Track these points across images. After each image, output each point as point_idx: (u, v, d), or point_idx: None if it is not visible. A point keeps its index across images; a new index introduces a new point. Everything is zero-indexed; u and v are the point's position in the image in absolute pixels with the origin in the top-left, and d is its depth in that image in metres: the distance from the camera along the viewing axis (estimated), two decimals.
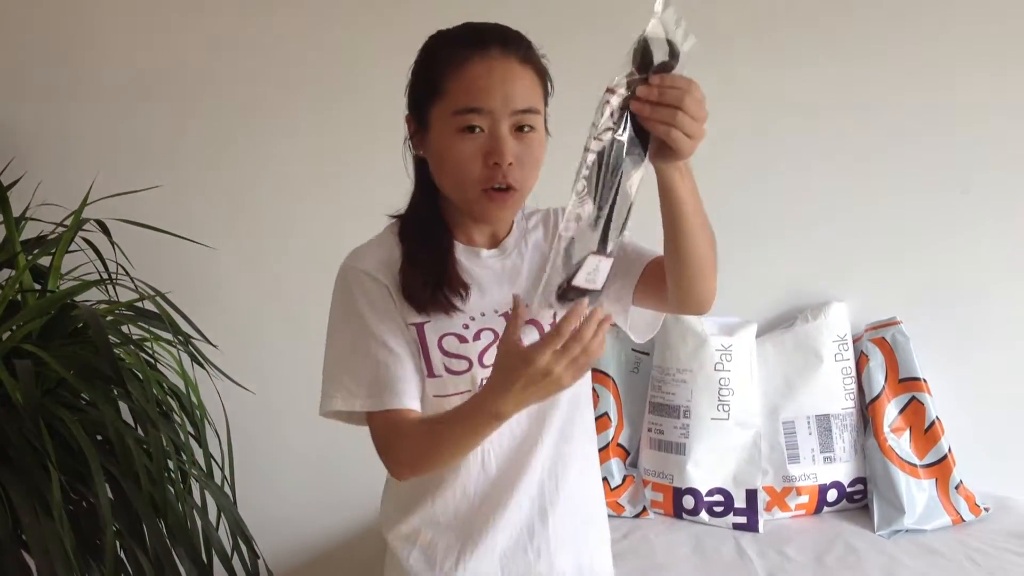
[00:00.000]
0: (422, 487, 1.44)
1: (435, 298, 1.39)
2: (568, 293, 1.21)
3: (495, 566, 1.44)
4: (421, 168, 1.46)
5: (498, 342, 1.28)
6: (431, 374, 1.40)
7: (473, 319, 1.41)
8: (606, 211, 1.18)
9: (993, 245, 2.49)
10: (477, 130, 1.34)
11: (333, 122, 2.59)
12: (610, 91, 1.16)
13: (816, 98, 2.48)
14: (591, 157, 1.16)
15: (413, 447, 1.36)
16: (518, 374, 1.19)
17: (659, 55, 1.17)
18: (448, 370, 1.40)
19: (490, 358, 1.36)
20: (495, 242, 1.48)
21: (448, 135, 1.36)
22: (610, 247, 1.21)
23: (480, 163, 1.35)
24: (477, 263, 1.45)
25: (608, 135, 1.16)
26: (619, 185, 1.18)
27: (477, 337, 1.40)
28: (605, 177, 1.17)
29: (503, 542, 1.43)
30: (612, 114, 1.16)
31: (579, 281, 1.20)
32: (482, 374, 1.38)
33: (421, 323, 1.40)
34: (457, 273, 1.42)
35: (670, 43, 1.19)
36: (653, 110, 1.16)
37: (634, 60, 1.17)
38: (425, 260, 1.42)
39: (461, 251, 1.45)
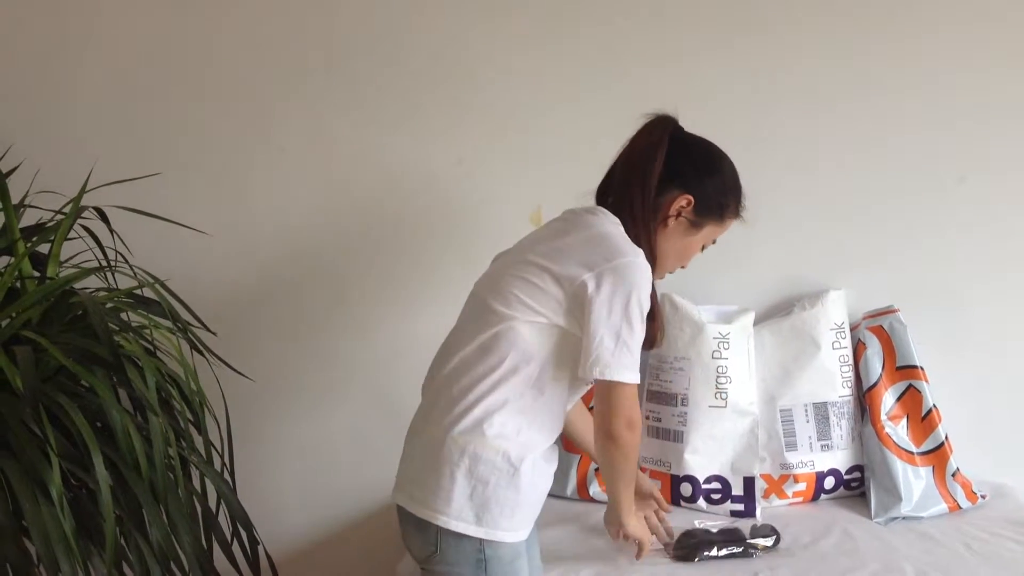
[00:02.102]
0: (542, 428, 1.82)
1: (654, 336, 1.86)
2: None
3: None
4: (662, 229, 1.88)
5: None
6: None
7: None
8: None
9: (989, 235, 2.49)
10: None
11: (331, 111, 2.59)
12: None
13: (814, 88, 2.48)
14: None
15: (638, 441, 1.84)
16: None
17: None
18: None
19: None
20: None
21: (701, 241, 1.93)
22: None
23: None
24: None
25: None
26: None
27: None
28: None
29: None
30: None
31: None
32: None
33: None
34: None
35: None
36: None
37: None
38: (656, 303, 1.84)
39: None
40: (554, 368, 1.79)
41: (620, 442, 1.78)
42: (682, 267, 1.98)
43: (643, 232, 1.82)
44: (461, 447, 1.73)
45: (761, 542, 2.15)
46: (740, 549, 2.12)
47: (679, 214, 1.86)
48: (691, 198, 1.85)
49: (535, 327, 1.77)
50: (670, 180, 1.85)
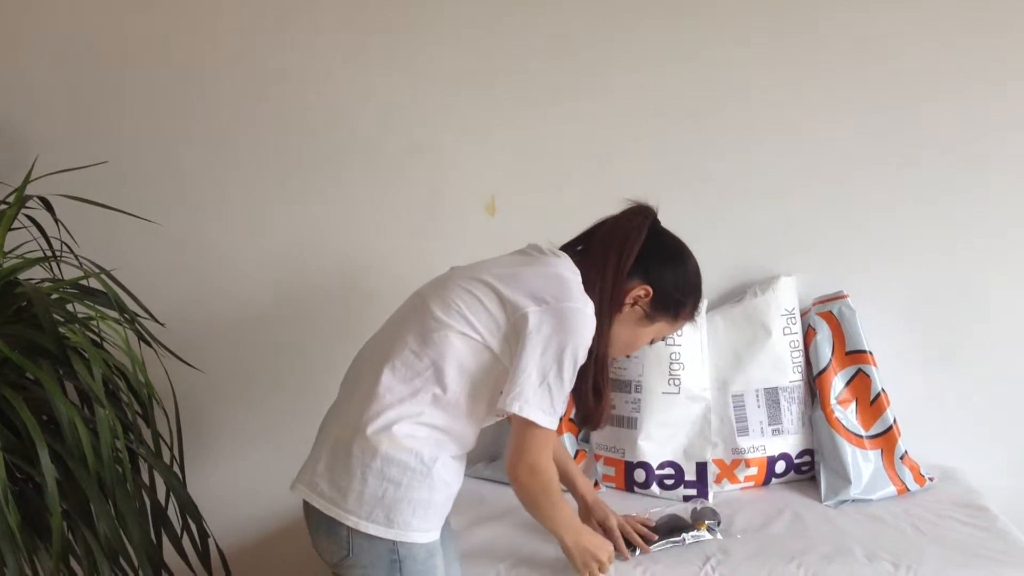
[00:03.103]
0: (452, 439, 1.79)
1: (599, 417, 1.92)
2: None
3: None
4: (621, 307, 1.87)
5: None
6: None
7: None
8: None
9: (936, 218, 2.51)
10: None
11: (281, 98, 2.56)
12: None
13: (760, 73, 2.49)
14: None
15: (551, 485, 1.83)
16: (589, 551, 1.91)
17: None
18: None
19: None
20: None
21: (651, 334, 1.93)
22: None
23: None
24: None
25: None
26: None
27: None
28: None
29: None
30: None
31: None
32: None
33: None
34: None
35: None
36: None
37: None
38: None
39: None
40: (474, 389, 1.77)
41: (520, 485, 1.80)
42: (627, 356, 2.01)
43: (603, 312, 1.81)
44: (374, 447, 1.71)
45: (707, 523, 2.16)
46: (679, 539, 2.12)
47: (635, 303, 1.86)
48: (650, 289, 1.85)
49: (468, 343, 1.75)
50: (635, 268, 1.85)
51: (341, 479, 1.73)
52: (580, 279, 1.80)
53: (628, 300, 1.85)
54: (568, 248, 1.92)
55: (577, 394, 1.85)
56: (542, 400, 1.71)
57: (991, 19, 2.41)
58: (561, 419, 2.41)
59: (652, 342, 1.98)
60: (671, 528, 2.14)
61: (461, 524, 2.23)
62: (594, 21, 2.49)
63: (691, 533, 2.13)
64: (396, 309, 1.92)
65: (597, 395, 1.86)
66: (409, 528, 1.73)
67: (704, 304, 2.47)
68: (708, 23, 2.48)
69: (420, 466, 1.73)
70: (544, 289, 1.75)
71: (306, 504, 1.80)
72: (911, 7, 2.43)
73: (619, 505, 2.29)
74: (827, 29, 2.46)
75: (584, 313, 1.74)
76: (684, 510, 2.22)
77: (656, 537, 2.10)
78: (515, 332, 1.73)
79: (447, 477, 1.78)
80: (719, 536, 2.15)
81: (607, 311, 1.83)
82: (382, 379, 1.75)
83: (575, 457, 2.49)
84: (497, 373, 1.76)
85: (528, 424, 1.72)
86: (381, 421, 1.72)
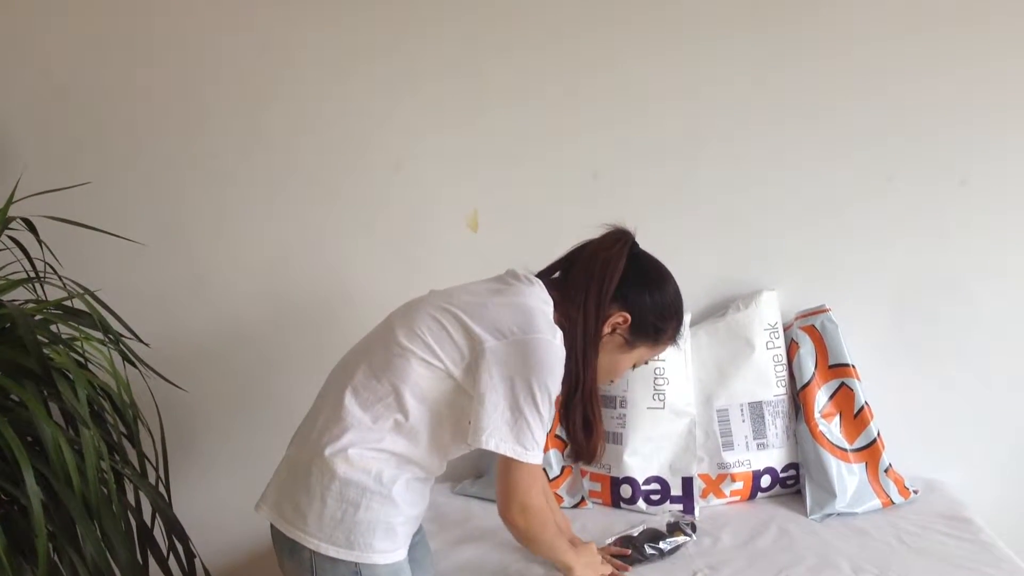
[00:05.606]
0: (413, 465, 1.76)
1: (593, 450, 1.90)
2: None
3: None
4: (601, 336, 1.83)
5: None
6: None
7: None
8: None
9: (917, 232, 2.53)
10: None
11: (264, 119, 2.57)
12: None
13: (744, 86, 2.50)
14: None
15: (547, 521, 1.82)
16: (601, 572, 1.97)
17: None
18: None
19: None
20: None
21: (633, 359, 1.90)
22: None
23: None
24: None
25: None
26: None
27: None
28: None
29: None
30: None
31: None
32: None
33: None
34: None
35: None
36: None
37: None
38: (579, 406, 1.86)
39: None
40: (436, 417, 1.75)
41: (515, 527, 1.78)
42: (610, 382, 1.98)
43: (579, 341, 1.79)
44: (332, 469, 1.70)
45: (682, 527, 2.22)
46: (658, 546, 2.15)
47: (614, 330, 1.83)
48: (627, 316, 1.82)
49: (431, 370, 1.72)
50: (613, 295, 1.81)
51: (302, 501, 1.72)
52: (551, 308, 1.78)
53: (606, 328, 1.82)
54: (546, 274, 1.90)
55: (566, 428, 1.85)
56: (519, 435, 1.68)
57: (968, 44, 2.45)
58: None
59: (635, 367, 1.96)
60: (650, 538, 2.16)
61: (448, 542, 2.24)
62: (579, 38, 2.50)
63: (668, 540, 2.16)
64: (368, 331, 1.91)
65: (588, 428, 1.84)
66: (371, 549, 1.71)
67: (688, 319, 2.48)
68: (695, 42, 2.49)
69: (379, 487, 1.70)
70: (510, 320, 1.72)
71: (272, 526, 1.79)
72: (898, 33, 2.45)
73: (606, 521, 2.30)
74: (814, 50, 2.48)
75: (551, 343, 1.71)
76: (660, 523, 2.24)
77: (629, 560, 2.12)
78: (477, 364, 1.70)
79: (409, 498, 1.75)
80: (694, 536, 2.21)
81: (590, 341, 1.80)
82: (344, 402, 1.73)
83: (561, 473, 2.49)
84: (462, 403, 1.73)
85: (510, 462, 1.70)
86: (339, 444, 1.71)
